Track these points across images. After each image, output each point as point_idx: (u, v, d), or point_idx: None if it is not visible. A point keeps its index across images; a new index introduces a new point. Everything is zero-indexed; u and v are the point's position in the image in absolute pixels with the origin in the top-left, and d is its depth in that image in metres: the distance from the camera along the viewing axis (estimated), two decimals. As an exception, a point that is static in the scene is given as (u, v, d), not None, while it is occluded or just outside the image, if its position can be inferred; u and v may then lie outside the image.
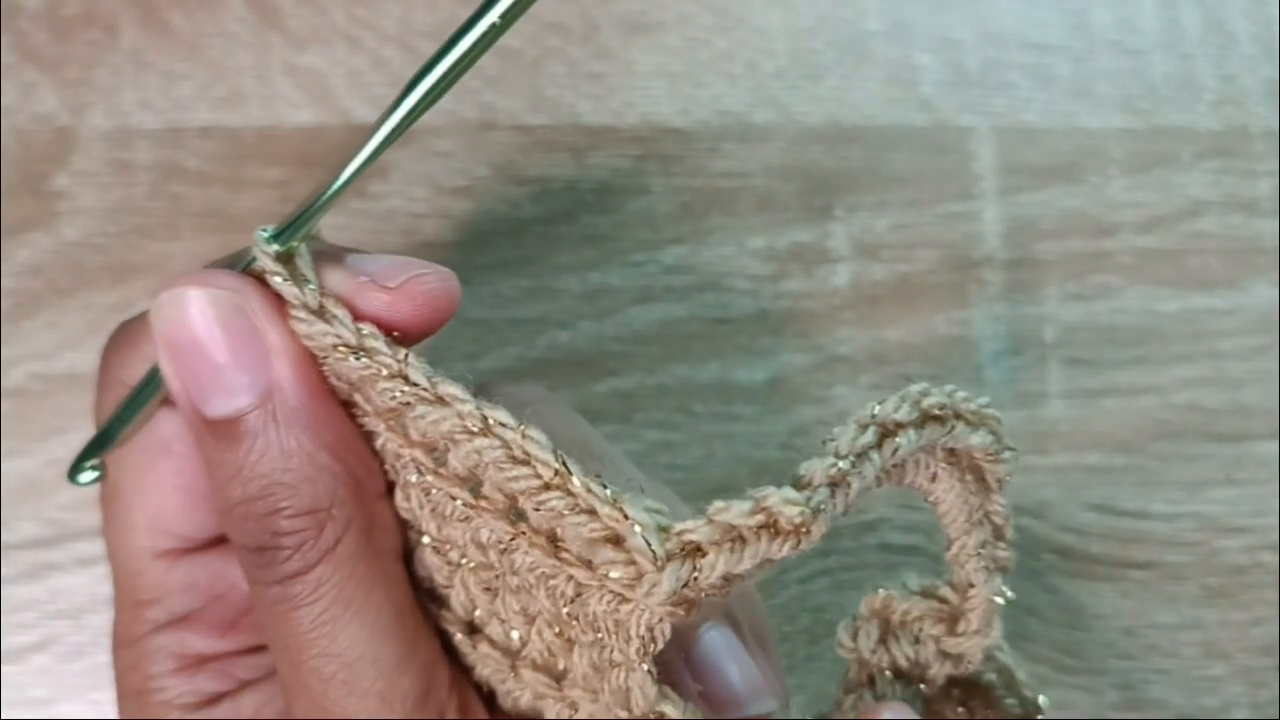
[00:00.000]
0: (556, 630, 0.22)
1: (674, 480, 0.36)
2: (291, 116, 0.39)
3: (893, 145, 0.38)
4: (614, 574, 0.20)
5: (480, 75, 0.39)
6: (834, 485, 0.20)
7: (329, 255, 0.24)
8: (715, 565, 0.20)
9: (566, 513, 0.20)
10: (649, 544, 0.20)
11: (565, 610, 0.22)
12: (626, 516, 0.20)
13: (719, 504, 0.20)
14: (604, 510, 0.20)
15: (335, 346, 0.21)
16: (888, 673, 0.26)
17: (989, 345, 0.37)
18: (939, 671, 0.26)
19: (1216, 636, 0.36)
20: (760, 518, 0.20)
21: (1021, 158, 0.38)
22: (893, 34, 0.39)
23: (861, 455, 0.20)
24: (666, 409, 0.37)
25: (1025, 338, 0.37)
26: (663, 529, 0.20)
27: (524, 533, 0.21)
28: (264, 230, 0.23)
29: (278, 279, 0.22)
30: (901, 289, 0.37)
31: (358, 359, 0.21)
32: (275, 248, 0.22)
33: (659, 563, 0.20)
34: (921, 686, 0.26)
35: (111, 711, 0.35)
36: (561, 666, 0.23)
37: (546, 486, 0.20)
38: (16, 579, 0.36)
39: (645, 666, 0.21)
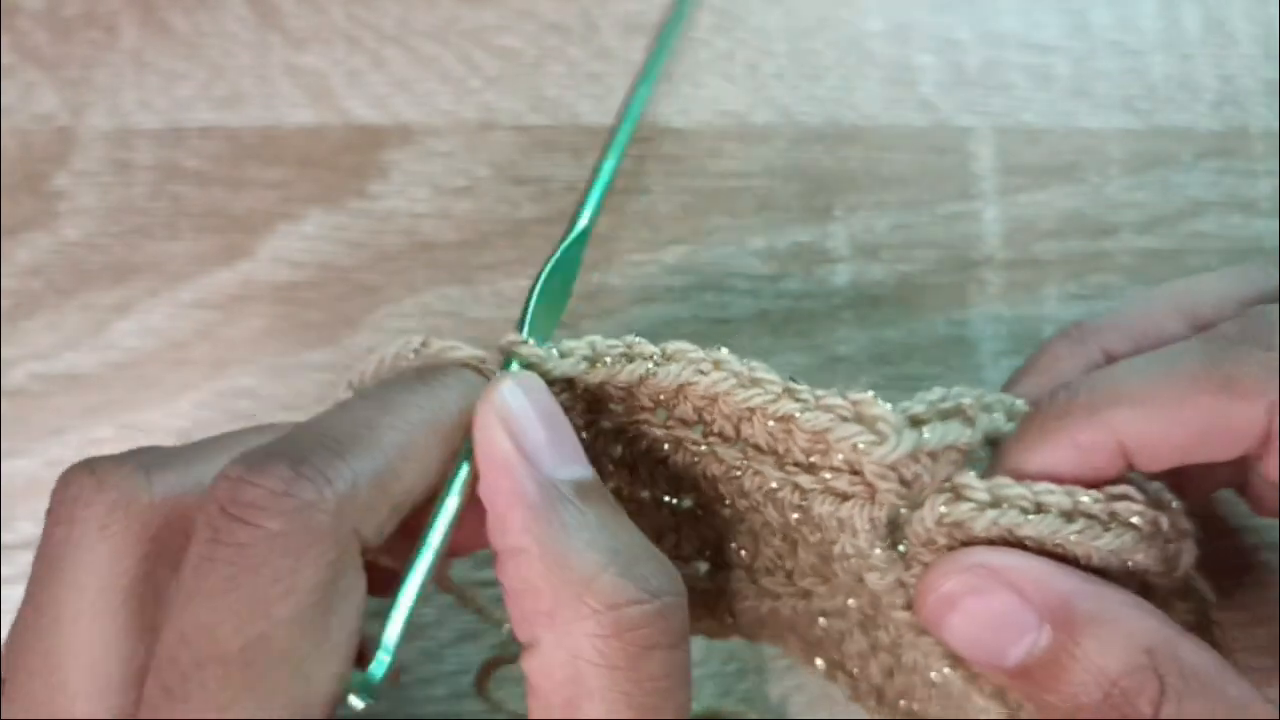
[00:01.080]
0: (780, 537, 0.27)
1: (674, 480, 0.36)
2: (291, 116, 0.39)
3: (893, 145, 0.38)
4: (861, 441, 0.24)
5: (480, 76, 0.39)
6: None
7: None
8: (938, 432, 0.24)
9: (800, 413, 0.25)
10: (889, 412, 0.24)
11: (794, 517, 0.26)
12: (858, 401, 0.24)
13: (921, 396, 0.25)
14: (835, 401, 0.25)
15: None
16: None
17: (989, 345, 0.37)
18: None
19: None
20: (950, 403, 0.25)
21: (1021, 158, 0.38)
22: (893, 34, 0.39)
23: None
24: (666, 409, 0.37)
25: (1025, 338, 0.37)
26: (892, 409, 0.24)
27: (750, 457, 0.26)
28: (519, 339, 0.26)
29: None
30: (901, 289, 0.37)
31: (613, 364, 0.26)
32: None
33: (897, 427, 0.24)
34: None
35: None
36: (789, 567, 0.28)
37: (779, 398, 0.25)
38: (17, 579, 0.36)
39: (876, 549, 0.25)
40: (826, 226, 0.38)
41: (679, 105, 0.39)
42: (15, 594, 0.35)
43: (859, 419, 0.24)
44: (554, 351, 0.26)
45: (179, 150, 0.39)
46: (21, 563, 0.36)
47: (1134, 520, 0.25)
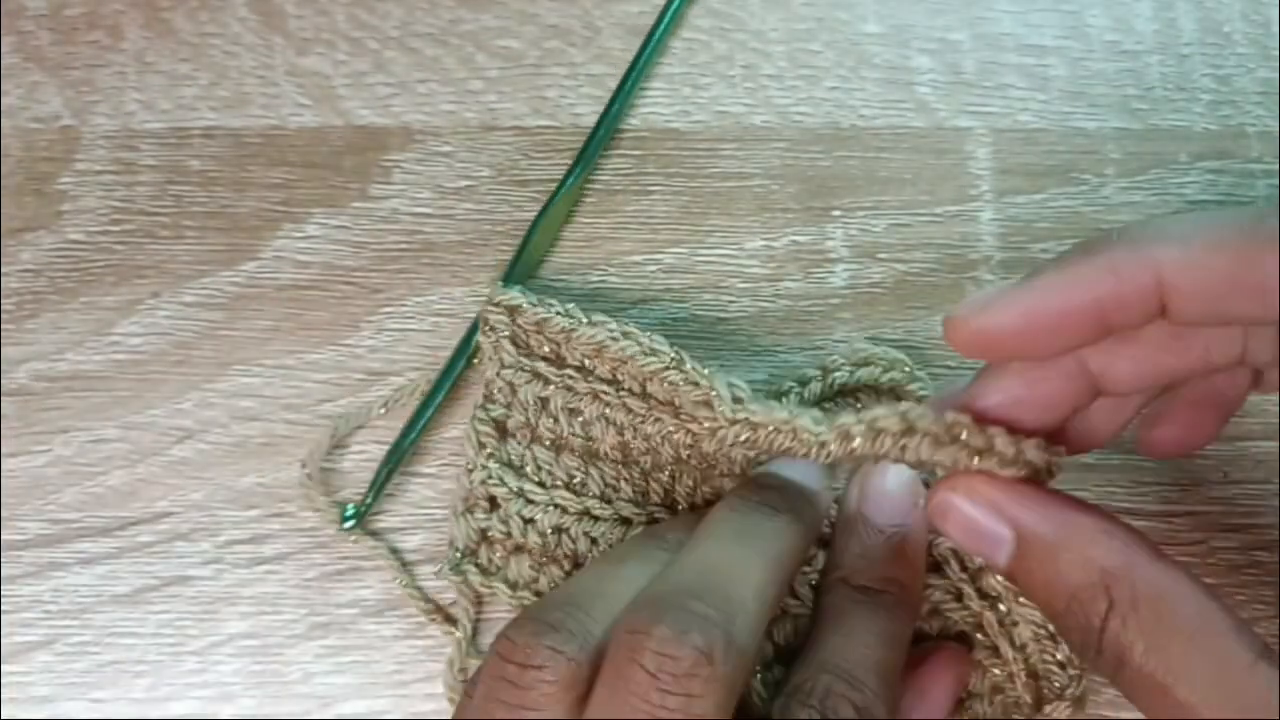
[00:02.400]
0: (667, 474, 0.34)
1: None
2: (294, 118, 0.39)
3: (890, 146, 0.39)
4: (706, 420, 0.31)
5: (481, 77, 0.39)
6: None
7: None
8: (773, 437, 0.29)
9: (680, 384, 0.32)
10: (726, 407, 0.30)
11: (684, 454, 0.32)
12: (714, 388, 0.31)
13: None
14: (702, 382, 0.31)
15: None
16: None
17: (987, 345, 0.37)
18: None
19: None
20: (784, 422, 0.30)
21: (1018, 159, 0.39)
22: (890, 36, 0.40)
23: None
24: (666, 408, 0.37)
25: (1023, 338, 0.37)
26: (736, 400, 0.31)
27: (653, 408, 0.33)
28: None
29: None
30: (899, 289, 0.37)
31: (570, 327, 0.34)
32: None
33: (732, 416, 0.30)
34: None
35: (112, 709, 0.35)
36: (672, 498, 0.34)
37: (667, 368, 0.32)
38: (20, 578, 0.36)
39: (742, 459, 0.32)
40: (825, 227, 0.38)
41: (678, 106, 0.39)
42: (18, 593, 0.36)
43: (708, 404, 0.31)
44: (528, 297, 0.35)
45: (182, 151, 0.39)
46: (25, 562, 0.36)
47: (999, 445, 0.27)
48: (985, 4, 0.40)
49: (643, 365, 0.33)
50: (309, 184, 0.38)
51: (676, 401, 0.33)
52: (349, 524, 0.35)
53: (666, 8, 0.39)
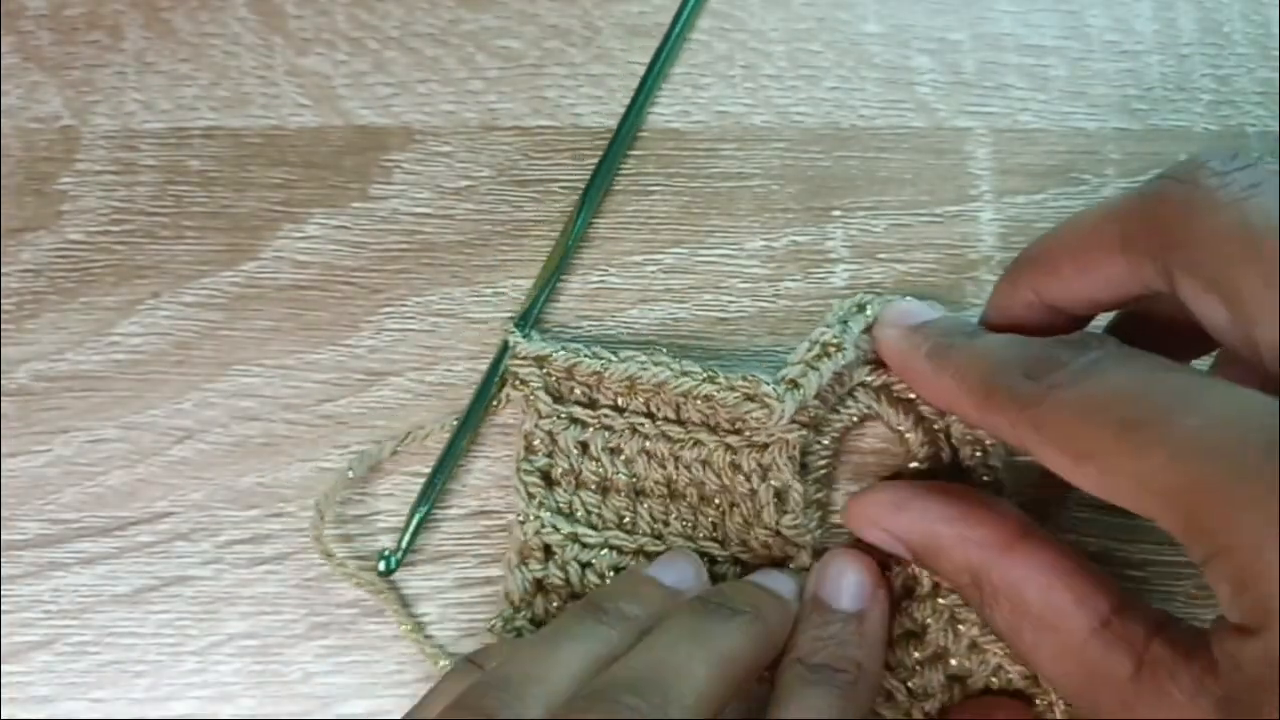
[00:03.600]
0: (713, 506, 0.35)
1: (673, 479, 0.36)
2: (294, 118, 0.39)
3: (890, 147, 0.39)
4: (755, 414, 0.33)
5: (481, 77, 0.39)
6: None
7: None
8: (813, 380, 0.33)
9: (717, 393, 0.33)
10: (772, 388, 0.33)
11: (727, 480, 0.34)
12: (754, 380, 0.33)
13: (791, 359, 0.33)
14: (739, 383, 0.33)
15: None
16: None
17: (986, 345, 0.37)
18: None
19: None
20: (816, 349, 0.33)
21: (1018, 159, 0.39)
22: (890, 36, 0.40)
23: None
24: (666, 408, 0.37)
25: (1022, 338, 0.37)
26: (775, 382, 0.33)
27: (690, 430, 0.34)
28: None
29: None
30: (899, 290, 0.37)
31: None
32: None
33: (779, 396, 0.33)
34: None
35: (112, 709, 0.35)
36: (719, 535, 0.35)
37: (701, 382, 0.34)
38: (20, 578, 0.36)
39: (795, 482, 0.34)
40: (825, 227, 0.38)
41: (678, 107, 0.39)
42: (18, 592, 0.36)
43: (754, 398, 0.33)
44: (546, 344, 0.35)
45: (182, 151, 0.39)
46: (25, 562, 0.36)
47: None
48: (985, 4, 0.40)
49: (677, 387, 0.34)
50: (309, 184, 0.38)
51: (712, 420, 0.34)
52: (385, 570, 0.35)
53: (683, 6, 0.39)
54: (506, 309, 0.37)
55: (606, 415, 0.35)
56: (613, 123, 0.39)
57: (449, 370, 0.37)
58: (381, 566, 0.35)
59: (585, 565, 0.34)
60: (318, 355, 0.37)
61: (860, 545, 0.33)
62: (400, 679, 0.35)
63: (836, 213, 0.38)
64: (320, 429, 0.37)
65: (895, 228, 0.38)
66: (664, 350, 0.35)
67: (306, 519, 0.36)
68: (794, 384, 0.33)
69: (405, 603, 0.35)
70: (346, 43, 0.40)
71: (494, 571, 0.36)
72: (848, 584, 0.32)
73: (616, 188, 0.38)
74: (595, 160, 0.38)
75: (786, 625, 0.31)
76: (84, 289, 0.38)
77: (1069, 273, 0.29)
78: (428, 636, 0.35)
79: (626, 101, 0.39)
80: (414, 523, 0.35)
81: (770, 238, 0.38)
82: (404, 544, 0.35)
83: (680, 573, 0.32)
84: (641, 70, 0.39)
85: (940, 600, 0.33)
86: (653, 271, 0.38)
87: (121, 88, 0.39)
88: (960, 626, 0.33)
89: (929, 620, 0.33)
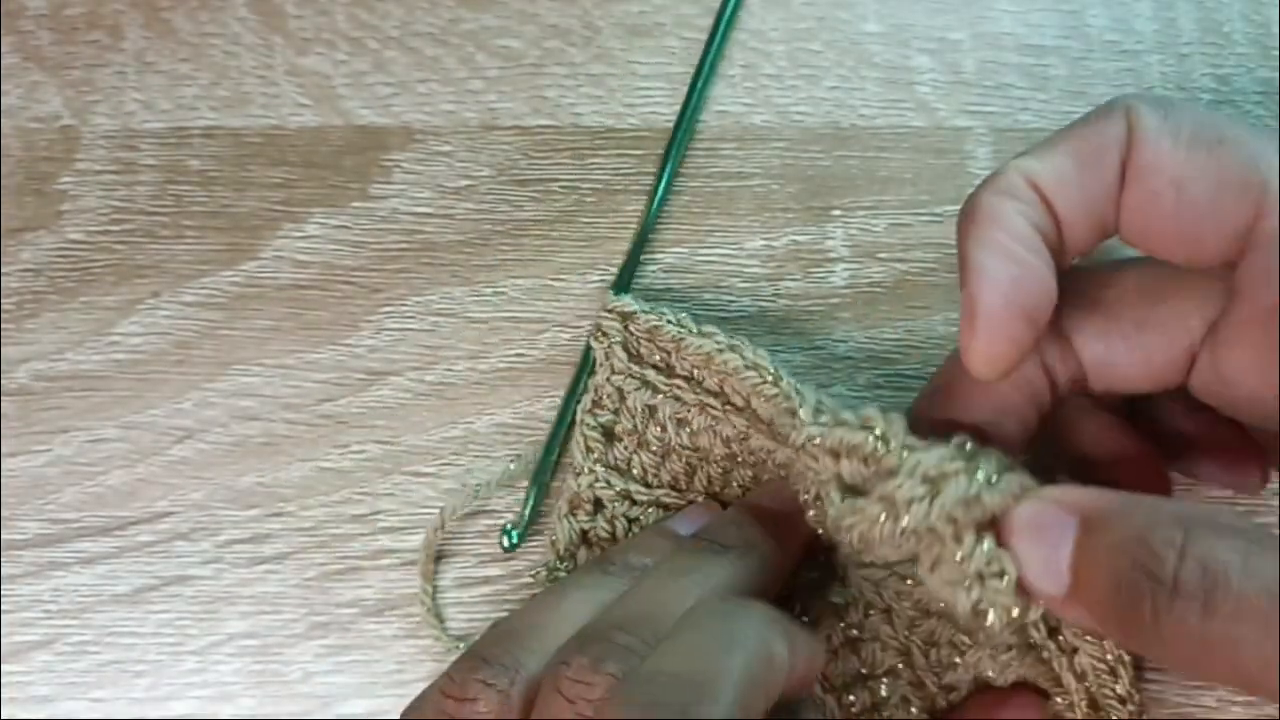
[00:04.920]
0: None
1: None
2: (294, 117, 0.39)
3: (890, 146, 0.39)
4: (793, 436, 0.30)
5: (481, 77, 0.39)
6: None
7: None
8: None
9: (775, 396, 0.31)
10: (805, 415, 0.30)
11: (780, 472, 0.32)
12: (800, 395, 0.30)
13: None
14: (792, 393, 0.31)
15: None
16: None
17: (987, 345, 0.37)
18: None
19: (1213, 634, 0.36)
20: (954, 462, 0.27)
21: (1019, 159, 0.39)
22: (890, 36, 0.40)
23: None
24: (666, 408, 0.37)
25: (1023, 337, 0.37)
26: (818, 410, 0.30)
27: (753, 425, 0.32)
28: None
29: None
30: (899, 289, 0.37)
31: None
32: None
33: (806, 423, 0.29)
34: None
35: (112, 709, 0.35)
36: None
37: (764, 382, 0.32)
38: (20, 578, 0.36)
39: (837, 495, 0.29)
40: (825, 227, 0.38)
41: (678, 106, 0.39)
42: (18, 592, 0.36)
43: (792, 413, 0.30)
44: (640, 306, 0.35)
45: (182, 151, 0.39)
46: (25, 561, 0.36)
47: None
48: (985, 4, 0.40)
49: (744, 380, 0.32)
50: (309, 184, 0.38)
51: (775, 421, 0.32)
52: (510, 546, 0.35)
53: (725, 3, 0.39)
54: (506, 309, 0.37)
55: (680, 386, 0.34)
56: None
57: (449, 370, 0.37)
58: (505, 542, 0.35)
59: (632, 521, 0.34)
60: (318, 355, 0.37)
61: None
62: (400, 679, 0.35)
63: (836, 212, 0.38)
64: (320, 429, 0.37)
65: (895, 227, 0.38)
66: (746, 340, 0.33)
67: (307, 518, 0.36)
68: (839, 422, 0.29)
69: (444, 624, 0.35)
70: (346, 42, 0.40)
71: (494, 571, 0.36)
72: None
73: (617, 187, 0.39)
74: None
75: (786, 550, 0.32)
76: (84, 289, 0.38)
77: (975, 396, 0.29)
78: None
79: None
80: (532, 496, 0.35)
81: (770, 237, 0.38)
82: (525, 516, 0.35)
83: (696, 524, 0.33)
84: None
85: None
86: (653, 271, 0.38)
87: (121, 87, 0.39)
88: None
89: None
